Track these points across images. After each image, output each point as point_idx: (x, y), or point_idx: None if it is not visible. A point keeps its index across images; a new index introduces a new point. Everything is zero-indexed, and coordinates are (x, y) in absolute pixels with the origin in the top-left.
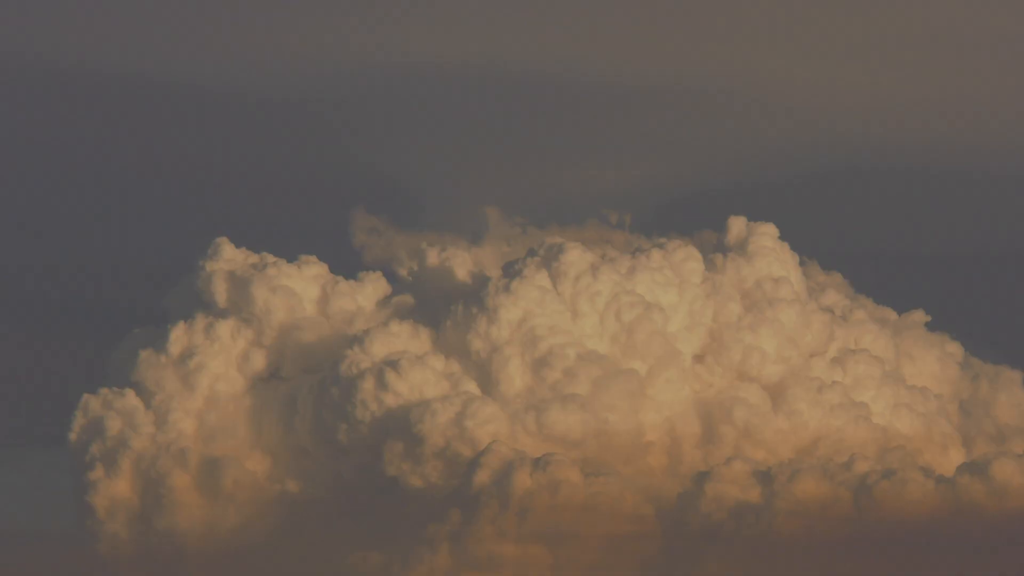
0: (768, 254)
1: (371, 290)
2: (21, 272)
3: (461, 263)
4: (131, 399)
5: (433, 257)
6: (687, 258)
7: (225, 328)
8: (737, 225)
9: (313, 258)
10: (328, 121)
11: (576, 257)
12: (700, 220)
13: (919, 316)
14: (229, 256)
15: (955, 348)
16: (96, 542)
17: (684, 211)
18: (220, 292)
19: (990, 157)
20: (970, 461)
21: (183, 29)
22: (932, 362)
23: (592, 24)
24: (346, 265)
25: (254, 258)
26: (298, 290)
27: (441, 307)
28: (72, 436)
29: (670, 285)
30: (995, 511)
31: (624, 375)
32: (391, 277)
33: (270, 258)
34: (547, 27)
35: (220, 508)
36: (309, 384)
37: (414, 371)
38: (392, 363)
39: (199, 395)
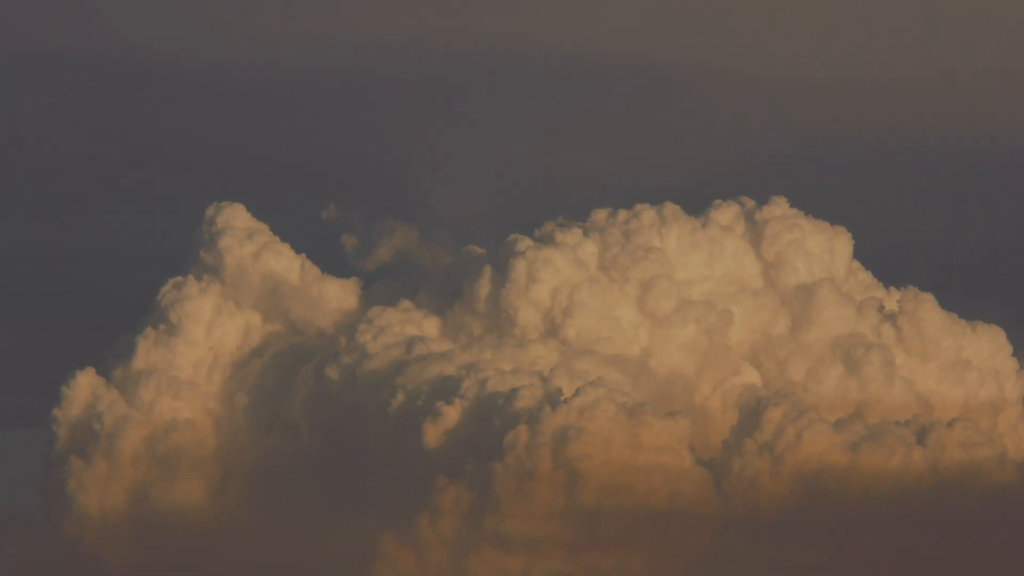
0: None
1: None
2: (19, 254)
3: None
4: (122, 382)
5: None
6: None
7: (228, 308)
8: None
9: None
10: (316, 107)
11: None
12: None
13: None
14: (244, 229)
15: None
16: (66, 523)
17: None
18: (247, 291)
19: (991, 140)
20: None
21: (174, 14)
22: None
23: (591, 6)
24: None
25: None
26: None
27: (442, 293)
28: (56, 416)
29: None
30: None
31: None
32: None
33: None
34: (544, 11)
35: (211, 486)
36: (312, 362)
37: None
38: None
39: (191, 376)
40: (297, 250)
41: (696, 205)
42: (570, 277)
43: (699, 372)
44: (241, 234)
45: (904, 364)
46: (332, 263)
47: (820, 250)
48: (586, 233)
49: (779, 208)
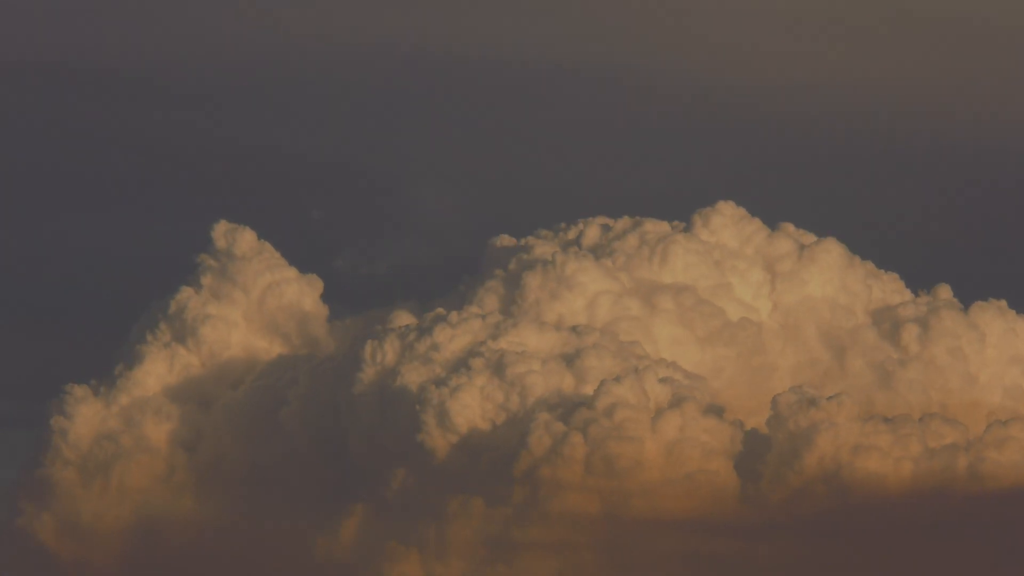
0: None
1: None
2: (23, 262)
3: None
4: (128, 395)
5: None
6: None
7: (245, 331)
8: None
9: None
10: (304, 112)
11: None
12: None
13: None
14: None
15: None
16: (59, 534)
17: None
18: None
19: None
20: None
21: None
22: None
23: (585, 16)
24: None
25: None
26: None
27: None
28: (55, 426)
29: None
30: None
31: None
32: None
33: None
34: (536, 20)
35: (213, 494)
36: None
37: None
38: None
39: (203, 393)
40: (288, 258)
41: (693, 211)
42: (604, 288)
43: (742, 389)
44: (262, 264)
45: (933, 371)
46: (323, 271)
47: (827, 273)
48: (604, 249)
49: (784, 236)
